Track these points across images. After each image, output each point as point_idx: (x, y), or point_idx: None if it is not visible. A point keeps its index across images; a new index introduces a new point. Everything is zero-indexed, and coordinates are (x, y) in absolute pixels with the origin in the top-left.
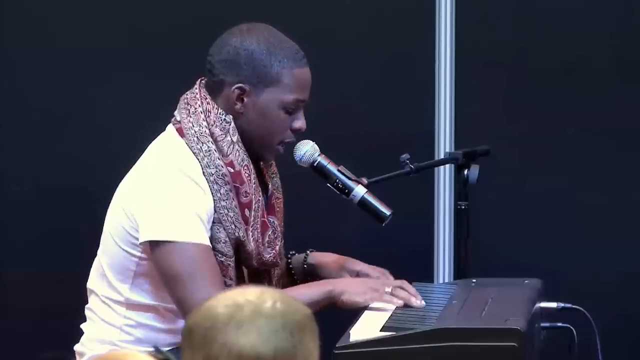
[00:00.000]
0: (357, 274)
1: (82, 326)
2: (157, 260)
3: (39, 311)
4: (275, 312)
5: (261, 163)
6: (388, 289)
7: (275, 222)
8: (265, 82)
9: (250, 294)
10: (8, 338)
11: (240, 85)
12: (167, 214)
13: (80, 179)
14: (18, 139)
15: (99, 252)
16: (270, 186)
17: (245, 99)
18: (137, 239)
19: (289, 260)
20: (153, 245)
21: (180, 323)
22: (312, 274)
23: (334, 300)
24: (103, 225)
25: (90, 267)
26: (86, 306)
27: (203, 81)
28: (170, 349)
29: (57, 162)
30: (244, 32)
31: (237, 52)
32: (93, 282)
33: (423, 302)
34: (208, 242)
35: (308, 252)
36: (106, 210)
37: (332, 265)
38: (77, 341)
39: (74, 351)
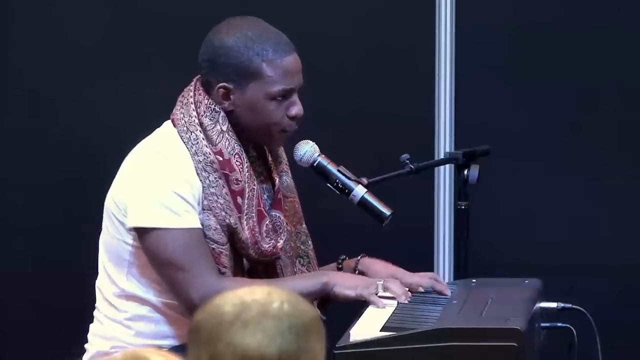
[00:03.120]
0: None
1: (90, 326)
2: (147, 247)
3: (39, 310)
4: (282, 313)
5: (269, 160)
6: (380, 282)
7: (281, 217)
8: (247, 77)
9: (258, 294)
10: (8, 337)
11: (223, 84)
12: (154, 199)
13: (82, 177)
14: (17, 137)
15: (99, 243)
16: (277, 182)
17: (231, 97)
18: (126, 225)
19: (340, 266)
20: (141, 232)
21: (179, 323)
22: None
23: (327, 292)
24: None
25: (91, 266)
26: (95, 305)
27: (200, 77)
28: (173, 347)
29: (57, 160)
30: (224, 30)
31: (216, 51)
32: (98, 278)
33: (408, 299)
34: (198, 225)
35: (360, 257)
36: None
37: (383, 274)
38: (79, 341)
39: (84, 350)
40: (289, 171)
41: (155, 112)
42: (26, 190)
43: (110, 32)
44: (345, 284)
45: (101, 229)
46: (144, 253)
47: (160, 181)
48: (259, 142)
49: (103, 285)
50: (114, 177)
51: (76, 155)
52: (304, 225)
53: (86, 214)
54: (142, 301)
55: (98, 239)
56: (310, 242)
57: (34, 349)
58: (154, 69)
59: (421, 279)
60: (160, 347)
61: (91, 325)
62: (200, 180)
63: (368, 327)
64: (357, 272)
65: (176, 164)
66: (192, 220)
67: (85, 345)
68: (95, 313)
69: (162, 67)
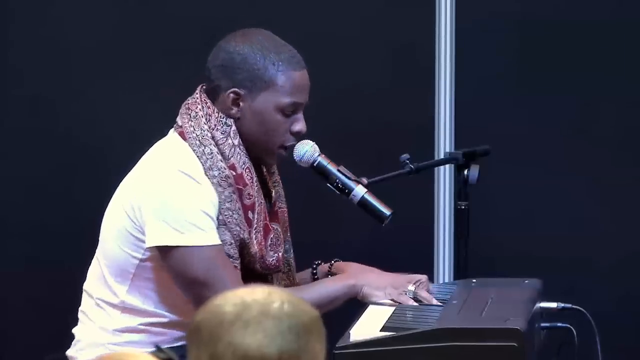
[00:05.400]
0: None
1: (74, 330)
2: (171, 265)
3: (38, 310)
4: (282, 313)
5: (264, 171)
6: (411, 287)
7: (279, 228)
8: (260, 85)
9: (258, 294)
10: (8, 337)
11: (234, 89)
12: (176, 217)
13: (82, 177)
14: (16, 137)
15: (97, 253)
16: (273, 194)
17: (241, 103)
18: (141, 240)
19: (315, 270)
20: (165, 250)
21: (175, 332)
22: None
23: (355, 294)
24: (100, 227)
25: (85, 268)
26: (80, 308)
27: (204, 87)
28: (171, 347)
29: (57, 160)
30: (239, 37)
31: (231, 56)
32: (89, 284)
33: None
34: (220, 241)
35: (333, 261)
36: (103, 212)
37: None
38: (71, 343)
39: (67, 357)
40: (281, 181)
41: (155, 113)
42: (26, 190)
43: (111, 32)
44: (374, 284)
45: (100, 229)
46: (168, 271)
47: (188, 200)
48: (256, 155)
49: (97, 292)
50: (114, 177)
51: (76, 156)
52: (288, 234)
53: (86, 214)
54: (140, 313)
55: (97, 238)
56: (292, 250)
57: (33, 349)
58: (155, 70)
59: None
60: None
61: (76, 331)
62: (217, 195)
63: (368, 327)
64: (330, 275)
65: (199, 183)
66: (215, 236)
67: (70, 352)
68: (81, 317)
69: (163, 68)
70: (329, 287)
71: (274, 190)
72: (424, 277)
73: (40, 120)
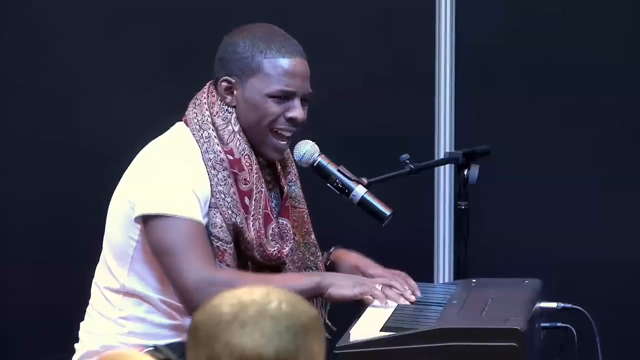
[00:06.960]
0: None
1: (82, 323)
2: (150, 234)
3: (39, 310)
4: (280, 313)
5: (278, 168)
6: (378, 287)
7: (288, 224)
8: (249, 72)
9: (256, 294)
10: (8, 337)
11: (226, 78)
12: (161, 188)
13: (83, 178)
14: (23, 136)
15: (103, 242)
16: (285, 190)
17: (234, 91)
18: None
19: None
20: (147, 220)
21: (177, 319)
22: (332, 270)
23: (320, 292)
24: (105, 224)
25: (92, 265)
26: (89, 302)
27: (212, 81)
28: (168, 344)
29: (58, 161)
30: (237, 31)
31: (225, 48)
32: (97, 275)
33: (413, 297)
34: (201, 219)
35: (332, 249)
36: (107, 210)
37: (348, 265)
38: (76, 341)
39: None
40: (298, 182)
41: (155, 114)
42: (27, 190)
43: (111, 32)
44: (340, 283)
45: (103, 227)
46: (148, 243)
47: (177, 176)
48: (256, 144)
49: (102, 281)
50: (115, 175)
51: (78, 155)
52: (312, 237)
53: (87, 213)
54: (140, 298)
55: (99, 238)
56: (319, 253)
57: (33, 349)
58: (155, 70)
59: (387, 273)
60: (153, 345)
61: (82, 323)
62: (209, 179)
63: (368, 327)
64: (328, 263)
65: (194, 166)
66: (198, 214)
67: (76, 345)
68: (88, 309)
69: (163, 68)
70: (296, 281)
71: (287, 187)
72: (393, 282)
73: (44, 121)
